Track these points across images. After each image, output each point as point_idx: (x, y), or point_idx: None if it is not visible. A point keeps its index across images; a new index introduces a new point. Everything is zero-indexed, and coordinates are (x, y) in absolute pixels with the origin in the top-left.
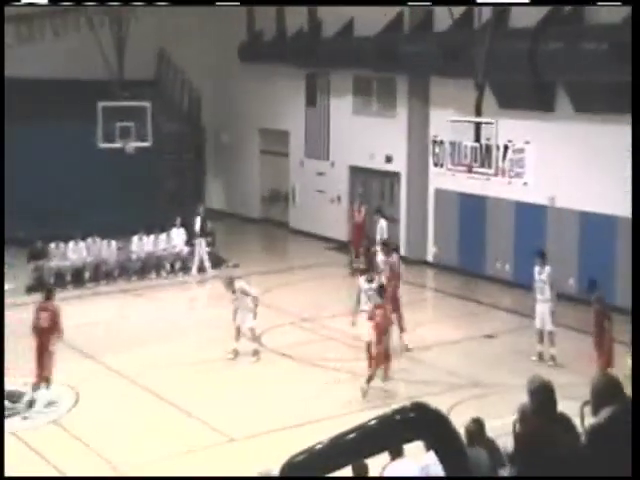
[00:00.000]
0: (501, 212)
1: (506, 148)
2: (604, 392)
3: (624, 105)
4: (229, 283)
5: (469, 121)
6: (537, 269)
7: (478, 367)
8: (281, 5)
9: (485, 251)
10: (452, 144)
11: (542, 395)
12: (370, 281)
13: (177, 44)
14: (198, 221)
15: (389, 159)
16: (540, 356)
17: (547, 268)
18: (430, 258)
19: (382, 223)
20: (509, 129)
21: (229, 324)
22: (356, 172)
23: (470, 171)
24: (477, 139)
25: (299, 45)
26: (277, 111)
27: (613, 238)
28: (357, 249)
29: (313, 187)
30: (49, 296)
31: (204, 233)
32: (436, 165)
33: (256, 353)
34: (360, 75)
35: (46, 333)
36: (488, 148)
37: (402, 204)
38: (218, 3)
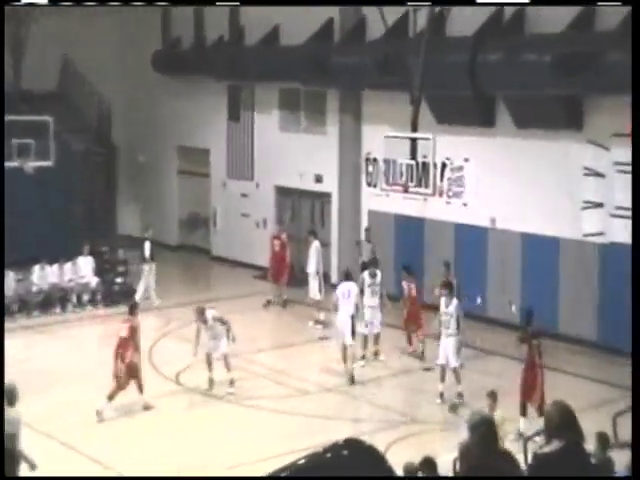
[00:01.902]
0: (440, 234)
1: (444, 166)
2: (558, 422)
3: (567, 120)
4: (200, 312)
5: (404, 137)
6: (444, 300)
7: (415, 402)
8: (281, 5)
9: (423, 277)
10: (386, 162)
11: (482, 429)
12: (373, 275)
13: (84, 51)
14: (147, 246)
15: (319, 179)
16: (442, 396)
17: (454, 301)
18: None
19: (316, 245)
20: (447, 146)
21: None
22: (283, 193)
23: (406, 191)
24: (413, 156)
25: (220, 55)
26: (196, 127)
27: (556, 261)
28: (277, 281)
29: (236, 210)
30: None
31: (152, 258)
32: (370, 185)
33: (232, 382)
34: (287, 88)
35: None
36: (425, 166)
37: (334, 227)
38: (218, 3)
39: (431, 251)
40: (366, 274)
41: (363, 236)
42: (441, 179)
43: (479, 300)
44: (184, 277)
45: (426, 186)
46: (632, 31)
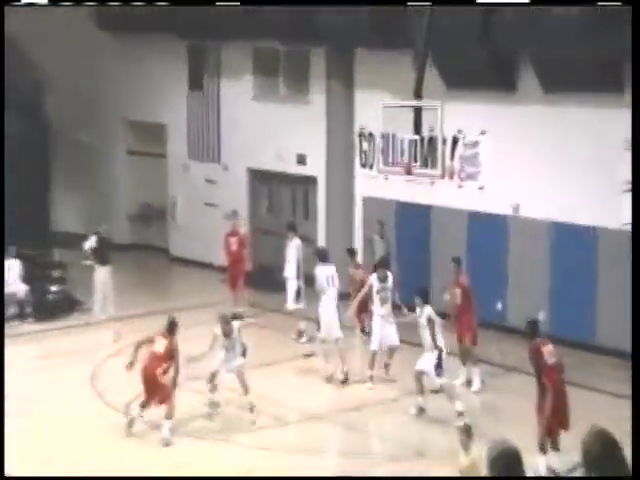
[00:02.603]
0: (450, 226)
1: (455, 141)
2: (599, 452)
3: (605, 83)
4: (226, 322)
5: (406, 106)
6: (417, 310)
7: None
8: (281, 5)
9: (429, 277)
10: (385, 137)
11: (502, 463)
12: (383, 279)
13: (13, 10)
14: (98, 244)
15: (302, 160)
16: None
17: (427, 308)
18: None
19: (296, 243)
20: (459, 116)
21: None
22: (258, 178)
23: (409, 173)
24: (417, 130)
25: (180, 9)
26: (150, 98)
27: (593, 256)
28: (233, 288)
29: (201, 199)
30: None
31: (107, 260)
32: (364, 166)
33: (252, 408)
34: (262, 48)
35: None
36: (432, 142)
37: (320, 218)
38: (218, 3)
39: (439, 246)
40: (374, 277)
41: (377, 231)
42: (452, 157)
43: (499, 306)
44: (137, 283)
45: (433, 166)
46: (632, 31)
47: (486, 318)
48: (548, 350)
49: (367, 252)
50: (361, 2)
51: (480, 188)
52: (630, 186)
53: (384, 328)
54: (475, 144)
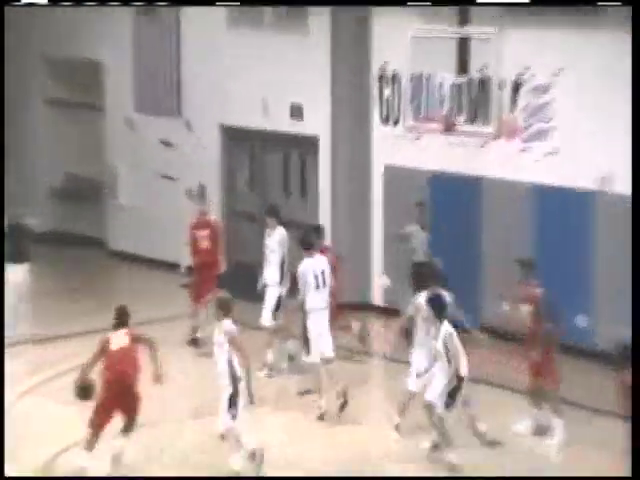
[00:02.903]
0: (509, 206)
1: (518, 85)
2: None
3: None
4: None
5: (446, 36)
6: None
7: None
8: (280, 5)
9: (478, 279)
10: (416, 81)
11: None
12: (436, 304)
13: None
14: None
15: (297, 112)
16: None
17: (444, 328)
18: (376, 298)
19: (279, 234)
20: (523, 49)
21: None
22: (235, 139)
23: (450, 131)
24: (463, 70)
25: None
26: (81, 26)
27: None
28: (199, 300)
29: (152, 169)
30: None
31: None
32: (386, 122)
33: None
34: None
35: None
36: (484, 86)
37: (323, 197)
38: (218, 3)
39: (493, 234)
40: (422, 299)
41: (415, 218)
42: (512, 109)
43: (583, 321)
44: (59, 289)
45: (485, 121)
46: (632, 31)
47: (563, 338)
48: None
49: (398, 251)
50: (361, 2)
51: (553, 152)
52: None
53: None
54: (546, 89)
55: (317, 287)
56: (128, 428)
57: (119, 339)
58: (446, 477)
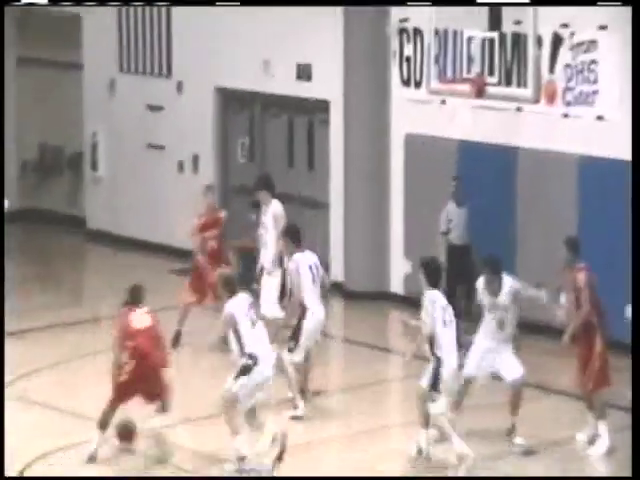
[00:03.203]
0: (550, 179)
1: (558, 41)
2: None
3: None
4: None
5: None
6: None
7: None
8: (280, 5)
9: (514, 260)
10: (441, 36)
11: None
12: (494, 289)
13: None
14: None
15: (305, 72)
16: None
17: (510, 282)
18: (394, 286)
19: (274, 209)
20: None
21: None
22: (232, 103)
23: (481, 94)
24: (495, 24)
25: None
26: None
27: None
28: (201, 301)
29: (138, 138)
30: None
31: None
32: (407, 83)
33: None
34: None
35: None
36: (518, 43)
37: (334, 170)
38: (218, 3)
39: (531, 212)
40: (481, 283)
41: (451, 195)
42: (551, 69)
43: (629, 312)
44: (34, 275)
45: (521, 83)
46: (632, 31)
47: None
48: None
49: (422, 232)
50: (362, 3)
51: (599, 118)
52: None
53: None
54: (590, 46)
55: (313, 280)
56: (164, 408)
57: (141, 318)
58: (446, 477)
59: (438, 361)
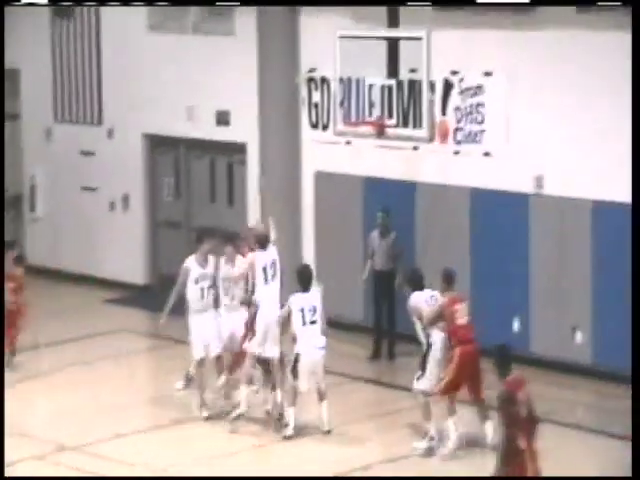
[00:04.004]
0: (444, 210)
1: (449, 86)
2: None
3: None
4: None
5: (375, 37)
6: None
7: None
8: (282, 5)
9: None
10: (345, 83)
11: None
12: None
13: None
14: None
15: (223, 118)
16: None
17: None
18: None
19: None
20: (453, 50)
21: None
22: (159, 147)
23: (382, 134)
24: (393, 72)
25: None
26: None
27: None
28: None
29: (73, 180)
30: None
31: None
32: (316, 127)
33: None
34: None
35: None
36: (414, 88)
37: (251, 206)
38: (218, 3)
39: (429, 242)
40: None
41: (377, 226)
42: (443, 111)
43: (516, 325)
44: None
45: (417, 124)
46: (632, 31)
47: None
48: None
49: (341, 258)
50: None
51: (486, 154)
52: None
53: None
54: (478, 90)
55: (268, 278)
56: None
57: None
58: (446, 477)
59: (297, 356)
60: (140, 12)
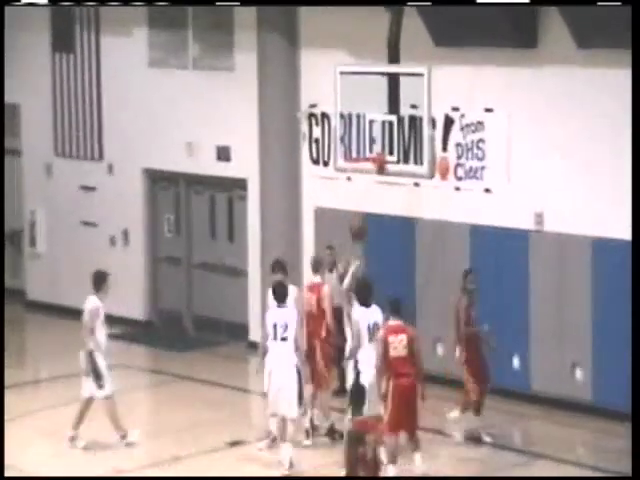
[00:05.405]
0: (444, 246)
1: (450, 123)
2: None
3: None
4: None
5: (376, 73)
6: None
7: None
8: (282, 5)
9: (415, 319)
10: (346, 120)
11: None
12: None
13: None
14: None
15: (224, 154)
16: None
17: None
18: None
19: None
20: (454, 86)
21: None
22: (160, 182)
23: (382, 170)
24: (394, 108)
25: None
26: None
27: None
28: None
29: (73, 215)
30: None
31: None
32: (316, 162)
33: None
34: None
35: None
36: (414, 124)
37: (252, 241)
38: (218, 3)
39: (429, 276)
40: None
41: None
42: (444, 147)
43: (516, 362)
44: None
45: (418, 161)
46: (632, 31)
47: (498, 381)
48: None
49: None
50: (359, 3)
51: (487, 190)
52: None
53: None
54: (479, 127)
55: (277, 333)
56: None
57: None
58: (446, 477)
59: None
60: (141, 48)
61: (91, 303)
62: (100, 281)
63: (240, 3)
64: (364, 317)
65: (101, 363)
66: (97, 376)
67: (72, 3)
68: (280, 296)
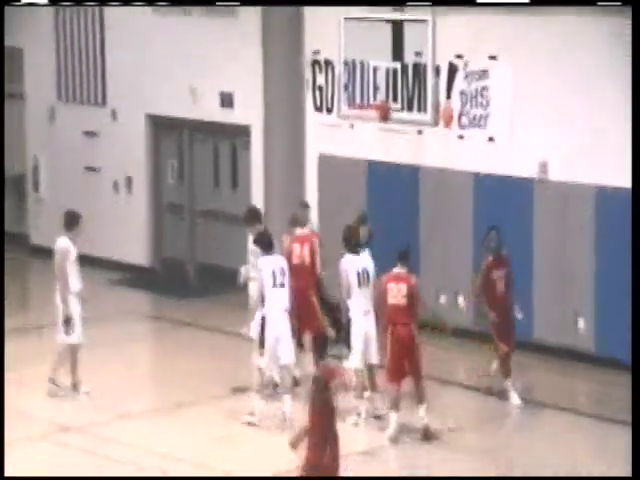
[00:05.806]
0: (447, 195)
1: (454, 70)
2: None
3: None
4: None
5: (380, 20)
6: None
7: None
8: (281, 5)
9: (418, 268)
10: (349, 66)
11: None
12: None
13: None
14: None
15: (227, 100)
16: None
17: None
18: None
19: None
20: (459, 33)
21: None
22: (163, 128)
23: (386, 118)
24: (398, 56)
25: None
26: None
27: None
28: None
29: (75, 161)
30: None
31: None
32: (319, 110)
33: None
34: None
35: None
36: (418, 72)
37: (255, 188)
38: (218, 3)
39: (431, 225)
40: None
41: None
42: (448, 95)
43: (519, 314)
44: None
45: (421, 108)
46: (632, 31)
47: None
48: None
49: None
50: (359, 3)
51: (490, 139)
52: None
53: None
54: (483, 75)
55: (275, 283)
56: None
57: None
58: (445, 477)
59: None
60: None
61: (61, 243)
62: (72, 221)
63: (240, 3)
64: (352, 265)
65: (73, 308)
66: (66, 320)
67: (72, 3)
68: (268, 245)
